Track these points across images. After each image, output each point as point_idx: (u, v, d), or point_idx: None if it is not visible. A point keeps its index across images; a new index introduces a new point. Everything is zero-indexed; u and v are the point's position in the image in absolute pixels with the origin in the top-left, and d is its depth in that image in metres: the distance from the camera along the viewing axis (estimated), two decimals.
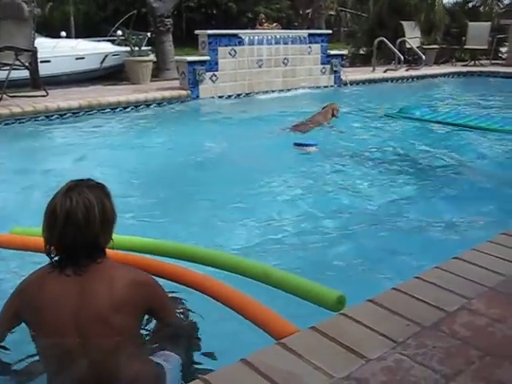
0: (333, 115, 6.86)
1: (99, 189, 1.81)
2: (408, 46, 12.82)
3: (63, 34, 13.33)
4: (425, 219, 3.79)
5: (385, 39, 12.07)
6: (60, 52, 11.73)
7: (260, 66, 9.19)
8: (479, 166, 5.34)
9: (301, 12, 26.17)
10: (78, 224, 1.70)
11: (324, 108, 7.04)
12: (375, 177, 4.90)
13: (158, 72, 11.55)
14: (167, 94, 8.37)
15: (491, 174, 5.04)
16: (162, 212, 3.88)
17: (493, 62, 15.40)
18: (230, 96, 8.89)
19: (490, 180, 4.84)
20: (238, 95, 8.99)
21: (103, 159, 5.27)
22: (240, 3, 28.48)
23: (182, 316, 2.14)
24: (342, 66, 10.66)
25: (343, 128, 6.64)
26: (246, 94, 9.09)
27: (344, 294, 1.96)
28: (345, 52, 11.05)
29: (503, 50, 16.13)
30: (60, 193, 1.75)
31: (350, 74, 11.23)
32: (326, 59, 10.08)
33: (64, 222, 1.69)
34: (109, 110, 7.66)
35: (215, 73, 8.70)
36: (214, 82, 8.71)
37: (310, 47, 9.82)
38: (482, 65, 13.97)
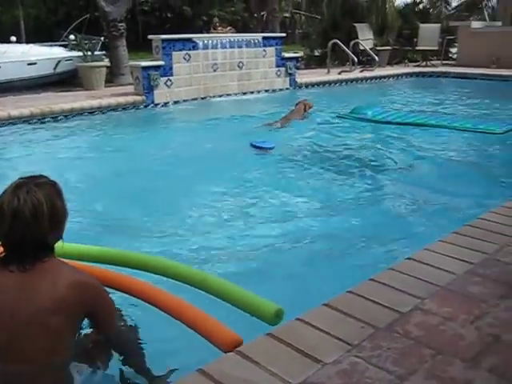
0: (305, 110, 7.37)
1: (50, 186, 1.78)
2: (361, 47, 13.00)
3: (13, 38, 13.00)
4: (374, 220, 3.85)
5: (338, 41, 12.22)
6: (10, 57, 11.46)
7: (215, 70, 9.19)
8: (427, 163, 5.42)
9: (255, 15, 26.20)
10: (26, 222, 1.66)
11: (297, 105, 7.52)
12: (323, 178, 4.98)
13: (112, 77, 11.41)
14: (122, 99, 8.29)
15: (439, 172, 5.14)
16: (105, 219, 3.84)
17: (444, 62, 15.79)
18: (185, 100, 8.85)
19: (437, 178, 4.95)
20: (194, 100, 8.96)
21: (55, 167, 5.15)
22: (195, 6, 28.39)
23: (124, 328, 2.11)
24: (298, 68, 10.76)
25: (299, 129, 6.72)
26: (202, 98, 9.07)
27: (282, 308, 1.93)
28: (300, 54, 11.14)
29: (453, 50, 16.55)
30: (8, 190, 1.71)
31: (306, 76, 11.36)
32: (281, 62, 10.14)
33: (11, 220, 1.66)
34: (62, 117, 7.53)
35: (170, 78, 8.65)
36: (168, 86, 8.66)
37: (264, 50, 9.88)
38: (433, 65, 14.30)
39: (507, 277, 2.20)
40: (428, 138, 6.31)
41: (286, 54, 10.31)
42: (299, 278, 3.00)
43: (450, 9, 20.42)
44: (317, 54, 17.85)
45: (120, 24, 11.84)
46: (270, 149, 5.57)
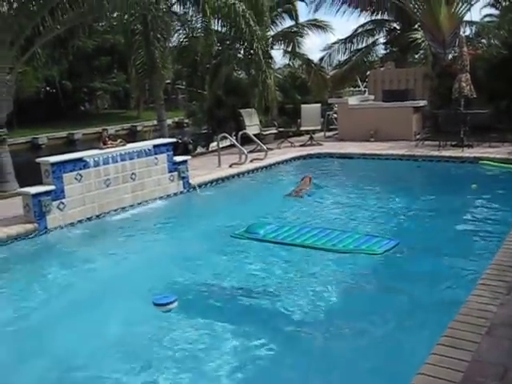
0: (310, 182, 10.32)
1: None
2: (250, 136, 13.47)
3: None
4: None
5: (227, 135, 12.63)
6: None
7: (108, 186, 9.18)
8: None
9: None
10: None
11: (303, 179, 10.42)
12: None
13: None
14: (12, 231, 8.02)
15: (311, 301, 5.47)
16: None
17: (327, 135, 16.76)
18: (80, 221, 8.74)
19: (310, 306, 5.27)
20: (89, 219, 8.87)
21: None
22: (75, 80, 28.20)
23: None
24: (188, 151, 10.77)
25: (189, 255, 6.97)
26: (97, 216, 8.99)
27: None
28: (173, 140, 11.01)
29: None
30: None
31: (197, 170, 11.58)
32: (173, 167, 10.32)
33: None
34: None
35: (62, 200, 8.53)
36: (61, 210, 8.53)
37: (156, 158, 10.02)
38: (318, 143, 15.07)
39: None
40: (310, 260, 6.67)
41: (177, 159, 10.48)
42: None
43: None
44: (204, 131, 18.34)
45: (1, 130, 11.64)
46: (173, 301, 5.60)
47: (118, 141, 9.62)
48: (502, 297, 4.42)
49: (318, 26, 22.23)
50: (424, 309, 5.18)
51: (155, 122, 19.17)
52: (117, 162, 9.33)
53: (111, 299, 5.75)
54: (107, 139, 9.42)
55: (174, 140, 11.13)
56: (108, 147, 9.31)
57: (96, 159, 9.02)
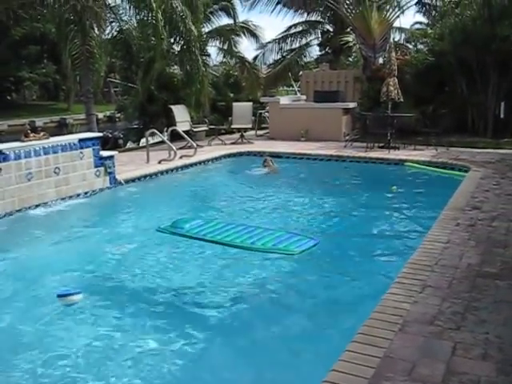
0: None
1: None
2: (180, 132, 13.34)
3: None
4: None
5: (156, 131, 12.46)
6: None
7: (29, 180, 8.84)
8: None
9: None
10: None
11: (265, 162, 11.80)
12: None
13: None
14: None
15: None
16: None
17: (258, 134, 16.84)
18: None
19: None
20: (9, 214, 8.52)
21: None
22: (0, 68, 27.00)
23: None
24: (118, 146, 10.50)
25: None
26: (17, 210, 8.65)
27: None
28: (100, 134, 10.75)
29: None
30: None
31: (125, 166, 11.38)
32: (99, 162, 10.06)
33: None
34: None
35: None
36: None
37: (81, 152, 9.74)
38: (248, 141, 15.12)
39: None
40: (223, 258, 6.67)
41: (104, 153, 10.24)
42: None
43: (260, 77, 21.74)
44: (135, 126, 18.04)
45: None
46: (78, 293, 5.51)
47: (41, 134, 9.28)
48: (415, 295, 4.56)
49: (249, 29, 22.38)
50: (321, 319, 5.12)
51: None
52: (40, 155, 9.01)
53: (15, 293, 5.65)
54: (29, 132, 9.08)
55: (100, 134, 10.85)
56: (30, 140, 8.97)
57: (17, 152, 8.67)
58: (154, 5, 15.11)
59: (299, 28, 23.83)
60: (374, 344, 3.76)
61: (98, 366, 4.23)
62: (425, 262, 5.31)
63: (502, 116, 14.66)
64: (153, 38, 16.18)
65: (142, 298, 5.57)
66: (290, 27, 23.82)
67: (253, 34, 22.64)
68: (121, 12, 17.52)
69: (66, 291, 5.52)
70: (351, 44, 20.25)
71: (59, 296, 5.45)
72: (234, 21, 21.75)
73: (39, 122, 30.22)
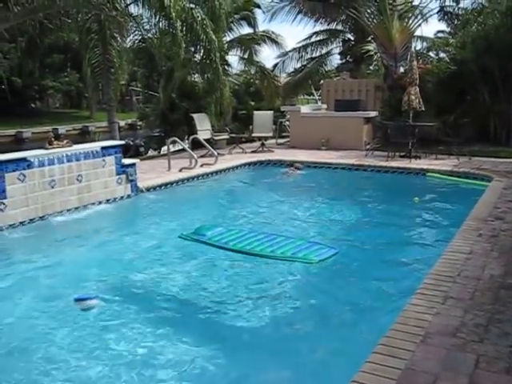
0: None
1: None
2: (201, 140, 13.42)
3: None
4: None
5: (177, 139, 12.55)
6: None
7: (53, 187, 8.96)
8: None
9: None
10: None
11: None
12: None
13: None
14: None
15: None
16: None
17: (279, 142, 16.85)
18: (22, 223, 8.49)
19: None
20: (32, 220, 8.64)
21: None
22: (25, 77, 27.50)
23: None
24: (140, 154, 10.64)
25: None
26: (40, 217, 8.75)
27: None
28: (122, 142, 10.83)
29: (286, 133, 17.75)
30: None
31: (147, 174, 11.47)
32: (121, 169, 10.16)
33: None
34: None
35: (3, 201, 8.26)
36: (2, 211, 8.26)
37: (103, 160, 9.84)
38: (269, 150, 15.15)
39: None
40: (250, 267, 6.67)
41: (126, 161, 10.33)
42: None
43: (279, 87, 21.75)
44: (156, 134, 18.17)
45: None
46: (94, 298, 5.59)
47: (65, 141, 9.41)
48: (438, 306, 4.52)
49: (271, 38, 22.44)
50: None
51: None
52: (63, 162, 9.12)
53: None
54: (53, 139, 9.21)
55: (122, 142, 10.96)
56: (54, 147, 9.09)
57: (41, 159, 8.79)
58: (174, 14, 15.20)
59: (320, 37, 23.82)
60: (396, 355, 3.73)
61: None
62: (447, 273, 5.26)
63: None
64: (173, 47, 16.29)
65: (162, 304, 5.61)
66: (311, 36, 23.82)
67: (275, 42, 22.64)
68: (143, 21, 17.67)
69: (84, 296, 5.62)
70: (372, 53, 20.19)
71: (76, 300, 5.56)
72: (254, 30, 21.81)
73: (62, 129, 30.61)
